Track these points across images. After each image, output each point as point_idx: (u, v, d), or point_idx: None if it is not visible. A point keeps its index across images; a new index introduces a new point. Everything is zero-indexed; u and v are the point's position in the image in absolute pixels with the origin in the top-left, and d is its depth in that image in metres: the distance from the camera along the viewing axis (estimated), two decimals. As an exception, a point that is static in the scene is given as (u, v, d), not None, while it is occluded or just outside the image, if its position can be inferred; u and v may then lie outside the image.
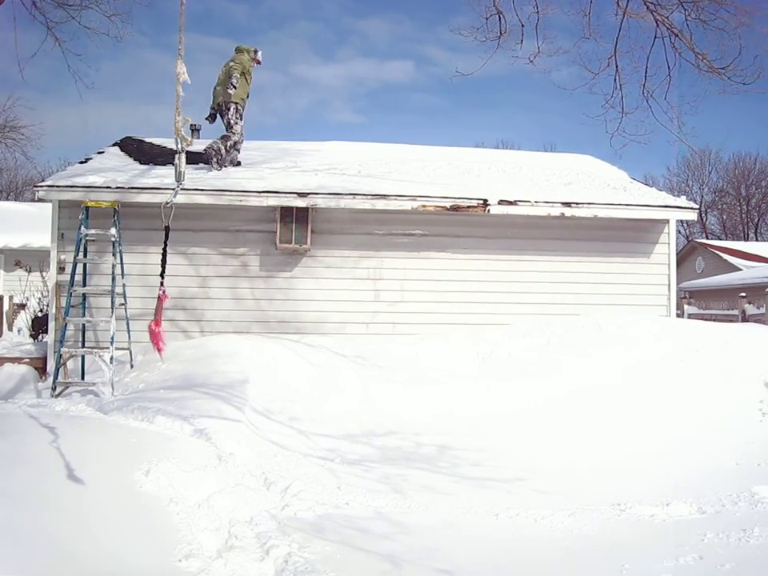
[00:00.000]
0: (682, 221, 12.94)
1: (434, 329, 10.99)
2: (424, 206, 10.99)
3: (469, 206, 11.08)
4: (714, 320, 17.41)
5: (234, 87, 11.66)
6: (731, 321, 17.57)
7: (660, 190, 14.08)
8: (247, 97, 12.20)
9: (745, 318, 18.56)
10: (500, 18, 9.96)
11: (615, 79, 10.36)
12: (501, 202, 11.14)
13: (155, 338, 6.05)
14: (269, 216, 10.98)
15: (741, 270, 30.12)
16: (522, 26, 10.06)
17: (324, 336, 10.64)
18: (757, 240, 53.24)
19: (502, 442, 8.07)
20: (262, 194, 10.67)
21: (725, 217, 59.25)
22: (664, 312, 12.01)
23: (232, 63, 11.94)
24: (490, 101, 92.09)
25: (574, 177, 13.23)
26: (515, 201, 11.20)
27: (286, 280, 11.18)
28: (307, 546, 5.12)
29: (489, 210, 11.10)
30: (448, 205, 11.04)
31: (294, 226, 10.82)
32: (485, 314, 11.32)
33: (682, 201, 12.42)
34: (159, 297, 6.11)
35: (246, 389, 8.39)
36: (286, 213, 10.82)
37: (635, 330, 10.55)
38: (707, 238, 52.90)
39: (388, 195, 10.95)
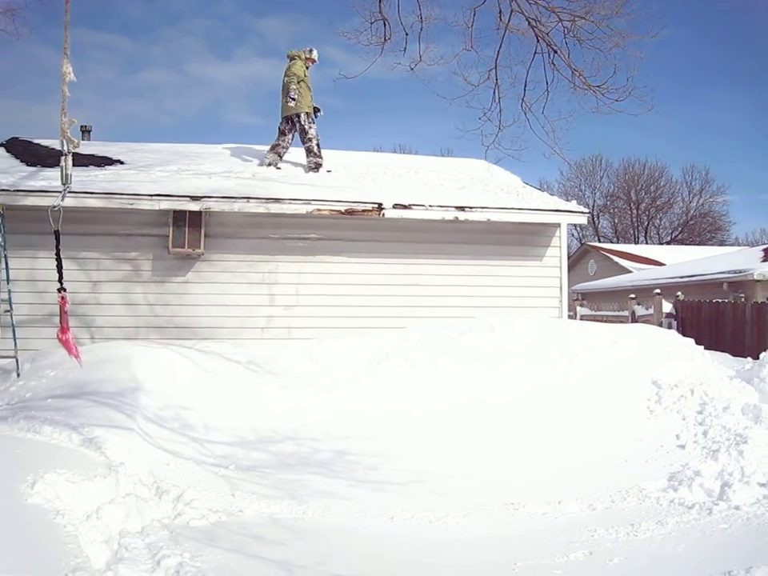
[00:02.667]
0: (574, 224, 13.24)
1: (330, 333, 10.99)
2: (319, 209, 10.99)
3: (364, 210, 11.13)
4: (605, 321, 17.97)
5: (293, 99, 12.37)
6: (622, 321, 18.12)
7: (553, 195, 14.44)
8: (311, 100, 12.71)
9: (634, 319, 19.16)
10: (384, 24, 10.04)
11: (494, 92, 10.54)
12: (395, 206, 11.23)
13: (67, 346, 5.94)
14: (161, 220, 10.79)
15: (631, 272, 30.93)
16: (406, 33, 10.16)
17: (218, 341, 10.51)
18: (646, 243, 55.07)
19: (398, 446, 8.12)
20: (154, 198, 10.47)
21: (616, 220, 61.03)
22: (556, 314, 12.29)
23: (287, 78, 12.44)
24: (389, 105, 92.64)
25: (468, 181, 13.44)
26: (410, 205, 11.30)
27: (179, 285, 11.02)
28: (200, 555, 5.05)
29: (384, 214, 11.17)
30: (343, 209, 11.07)
31: (187, 230, 10.66)
32: (381, 318, 11.39)
33: (573, 205, 12.75)
34: (59, 304, 6.00)
35: (137, 396, 8.21)
36: (179, 216, 10.66)
37: (527, 333, 10.75)
38: (599, 241, 54.48)
39: (282, 199, 10.90)
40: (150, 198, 10.47)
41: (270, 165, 12.80)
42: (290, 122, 12.66)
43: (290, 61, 12.75)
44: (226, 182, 11.43)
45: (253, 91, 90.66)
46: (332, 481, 7.16)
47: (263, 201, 10.84)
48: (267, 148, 13.79)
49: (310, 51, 12.82)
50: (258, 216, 11.07)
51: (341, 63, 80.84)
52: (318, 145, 12.75)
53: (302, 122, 12.57)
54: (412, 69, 10.41)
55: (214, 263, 11.12)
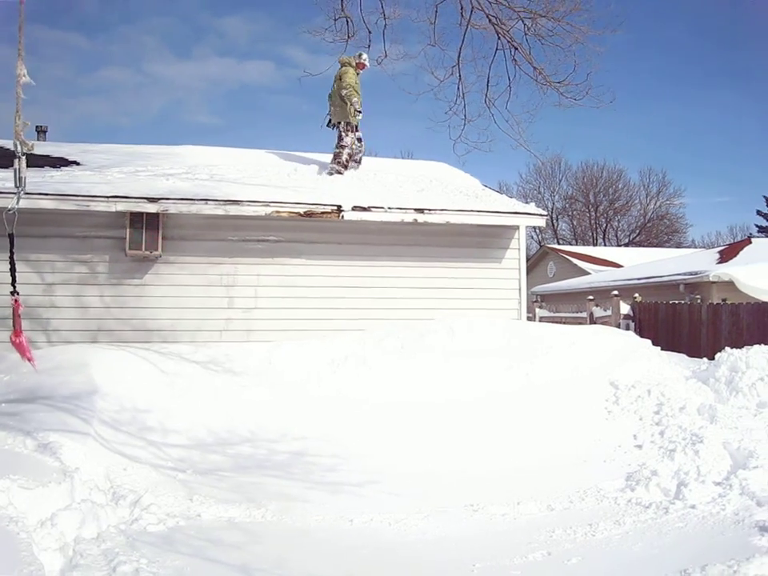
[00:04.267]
0: (533, 227, 13.45)
1: (290, 335, 10.91)
2: (278, 211, 10.93)
3: (323, 212, 11.09)
4: (564, 322, 18.05)
5: (360, 112, 12.66)
6: (580, 323, 18.20)
7: (512, 197, 14.48)
8: (360, 104, 12.78)
9: (593, 320, 19.27)
10: (347, 22, 10.09)
11: (458, 87, 10.65)
12: (355, 208, 11.19)
13: (20, 349, 5.87)
14: (118, 222, 10.63)
15: (590, 273, 31.13)
16: (369, 32, 10.21)
17: (176, 344, 10.40)
18: (605, 245, 55.51)
19: (356, 447, 8.10)
20: (110, 199, 10.30)
21: (575, 223, 61.47)
22: (515, 315, 12.34)
23: (344, 91, 12.47)
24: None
25: (428, 183, 13.46)
26: (369, 207, 11.28)
27: (136, 287, 10.88)
28: (157, 561, 5.01)
29: (343, 216, 11.14)
30: (302, 211, 11.01)
31: (145, 232, 10.51)
32: (340, 320, 11.36)
33: (531, 207, 12.81)
34: (13, 307, 5.93)
35: (93, 400, 8.11)
36: (136, 218, 10.52)
37: (486, 334, 10.78)
38: (558, 243, 54.82)
39: (241, 201, 10.82)
40: (106, 199, 10.31)
41: (336, 173, 12.89)
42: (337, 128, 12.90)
43: (342, 68, 12.76)
44: (183, 184, 11.31)
45: (212, 91, 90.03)
46: (290, 483, 7.13)
47: (221, 203, 10.74)
48: (223, 150, 13.75)
49: (359, 56, 12.74)
50: (217, 218, 10.97)
51: (303, 63, 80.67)
52: (349, 155, 12.95)
53: (340, 130, 12.80)
54: (378, 63, 10.48)
55: (172, 265, 11.00)
